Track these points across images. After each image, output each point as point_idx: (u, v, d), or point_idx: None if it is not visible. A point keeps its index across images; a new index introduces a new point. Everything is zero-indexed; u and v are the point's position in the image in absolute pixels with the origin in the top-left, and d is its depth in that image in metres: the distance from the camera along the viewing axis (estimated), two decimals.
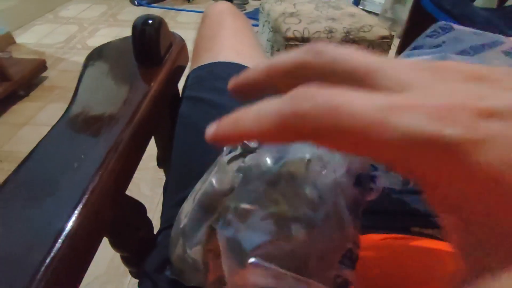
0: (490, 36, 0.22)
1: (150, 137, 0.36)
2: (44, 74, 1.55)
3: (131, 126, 0.30)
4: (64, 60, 1.74)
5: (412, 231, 0.32)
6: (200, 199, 0.21)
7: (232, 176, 0.20)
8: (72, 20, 2.22)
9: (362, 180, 0.18)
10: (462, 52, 0.23)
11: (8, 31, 1.86)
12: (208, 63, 0.47)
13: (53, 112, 1.36)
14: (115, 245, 0.32)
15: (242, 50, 0.50)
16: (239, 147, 0.22)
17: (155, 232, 0.36)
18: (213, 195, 0.20)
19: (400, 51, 1.80)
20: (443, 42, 0.26)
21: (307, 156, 0.17)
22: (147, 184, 0.96)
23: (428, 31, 0.26)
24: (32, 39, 1.95)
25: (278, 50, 1.06)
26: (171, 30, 0.44)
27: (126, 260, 0.34)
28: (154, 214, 0.37)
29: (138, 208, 0.32)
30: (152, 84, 0.36)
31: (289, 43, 1.01)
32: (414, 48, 0.26)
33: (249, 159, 0.21)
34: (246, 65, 0.46)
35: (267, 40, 1.19)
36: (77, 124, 0.31)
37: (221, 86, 0.43)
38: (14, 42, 1.89)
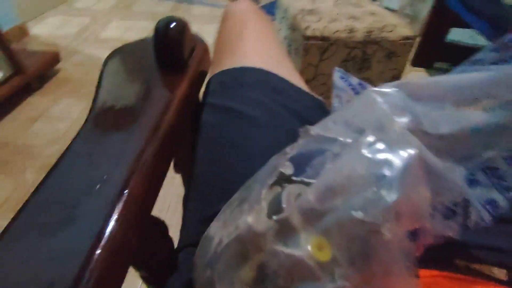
0: None
1: (175, 148, 0.34)
2: (57, 66, 1.55)
3: (155, 140, 0.28)
4: (77, 53, 1.73)
5: (457, 265, 0.29)
6: (232, 244, 0.18)
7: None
8: (85, 11, 2.21)
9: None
10: None
11: (22, 22, 1.85)
12: (232, 68, 0.44)
13: (66, 106, 1.35)
14: (135, 265, 0.30)
15: (267, 54, 0.47)
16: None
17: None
18: (249, 238, 0.17)
19: (419, 50, 1.74)
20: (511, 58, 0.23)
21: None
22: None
23: (492, 45, 0.23)
24: (46, 30, 1.95)
25: (297, 49, 1.03)
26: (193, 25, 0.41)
27: (146, 280, 0.32)
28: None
29: (160, 228, 0.30)
30: (175, 92, 0.34)
31: (309, 42, 0.97)
32: (474, 63, 0.23)
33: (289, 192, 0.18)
34: (272, 71, 0.43)
35: (284, 38, 1.15)
36: (96, 139, 0.29)
37: (250, 95, 0.41)
38: (28, 34, 1.88)
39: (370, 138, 0.14)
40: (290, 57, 1.09)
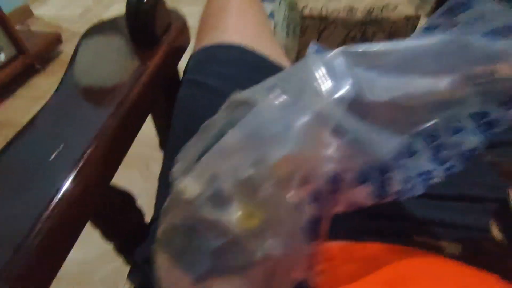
0: None
1: (143, 123, 0.34)
2: (60, 48, 1.56)
3: (119, 114, 0.29)
4: (79, 34, 1.73)
5: (415, 241, 0.29)
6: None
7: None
8: None
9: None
10: (493, 33, 0.19)
11: (26, 3, 1.86)
12: (210, 45, 0.44)
13: None
14: (104, 235, 0.31)
15: (248, 30, 0.46)
16: None
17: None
18: (181, 202, 0.18)
19: None
20: (464, 22, 0.22)
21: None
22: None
23: (440, 10, 0.22)
24: (50, 11, 1.95)
25: (295, 28, 1.01)
26: (177, 5, 0.41)
27: (116, 249, 0.33)
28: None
29: (126, 198, 0.31)
30: (147, 65, 0.34)
31: (306, 21, 0.95)
32: (427, 29, 0.22)
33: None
34: (250, 47, 0.43)
35: (283, 18, 1.13)
36: (63, 107, 0.29)
37: (224, 72, 0.41)
38: (32, 15, 1.89)
39: (273, 96, 0.14)
40: (289, 37, 1.07)
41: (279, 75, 0.18)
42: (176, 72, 0.44)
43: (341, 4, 0.97)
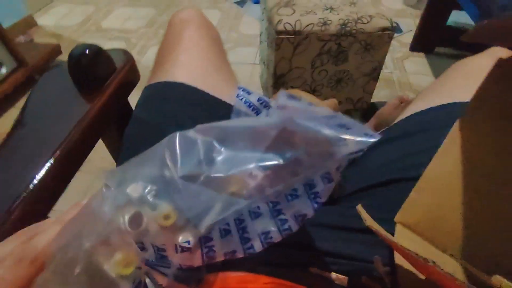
0: None
1: (85, 158, 0.40)
2: (60, 58, 1.64)
3: (62, 152, 0.34)
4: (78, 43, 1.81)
5: (311, 272, 0.32)
6: None
7: None
8: None
9: None
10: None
11: (29, 14, 1.95)
12: (157, 82, 0.48)
13: None
14: None
15: (194, 67, 0.50)
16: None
17: None
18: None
19: (418, 34, 1.68)
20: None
21: None
22: None
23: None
24: (52, 21, 2.03)
25: (271, 42, 1.05)
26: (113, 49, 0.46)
27: None
28: None
29: None
30: (89, 108, 0.40)
31: (280, 36, 0.98)
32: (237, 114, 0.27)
33: None
34: (194, 84, 0.47)
35: (265, 31, 1.16)
36: (11, 150, 0.35)
37: (167, 109, 0.45)
38: (36, 25, 1.98)
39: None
40: (269, 49, 1.11)
41: (137, 162, 0.22)
42: (127, 104, 0.50)
43: (315, 18, 1.00)
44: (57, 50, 1.60)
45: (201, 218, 0.21)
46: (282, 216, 0.23)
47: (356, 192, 0.41)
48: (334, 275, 0.33)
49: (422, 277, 0.28)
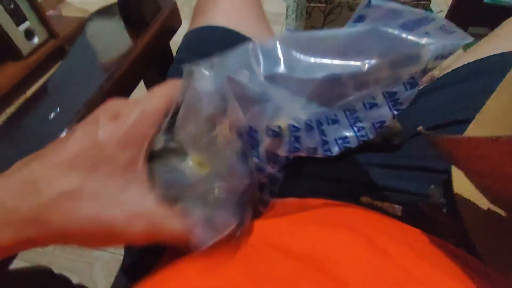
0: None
1: (132, 91, 0.41)
2: None
3: (111, 81, 0.35)
4: None
5: (361, 201, 0.32)
6: None
7: None
8: None
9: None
10: (402, 26, 0.23)
11: None
12: (199, 27, 0.49)
13: None
14: None
15: (235, 14, 0.50)
16: None
17: None
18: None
19: (452, 13, 1.60)
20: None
21: None
22: None
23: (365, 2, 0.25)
24: None
25: (301, 13, 1.02)
26: None
27: None
28: None
29: None
30: (136, 44, 0.40)
31: (311, 4, 0.96)
32: (356, 19, 0.26)
33: None
34: (236, 30, 0.47)
35: (293, 2, 1.14)
36: (65, 78, 0.36)
37: (207, 50, 0.45)
38: (64, 1, 2.02)
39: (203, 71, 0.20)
40: (297, 21, 1.09)
41: (223, 55, 0.23)
42: (168, 49, 0.50)
43: None
44: (84, 23, 1.63)
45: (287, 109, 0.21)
46: (359, 124, 0.23)
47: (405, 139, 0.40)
48: (386, 203, 0.32)
49: (484, 205, 0.28)
